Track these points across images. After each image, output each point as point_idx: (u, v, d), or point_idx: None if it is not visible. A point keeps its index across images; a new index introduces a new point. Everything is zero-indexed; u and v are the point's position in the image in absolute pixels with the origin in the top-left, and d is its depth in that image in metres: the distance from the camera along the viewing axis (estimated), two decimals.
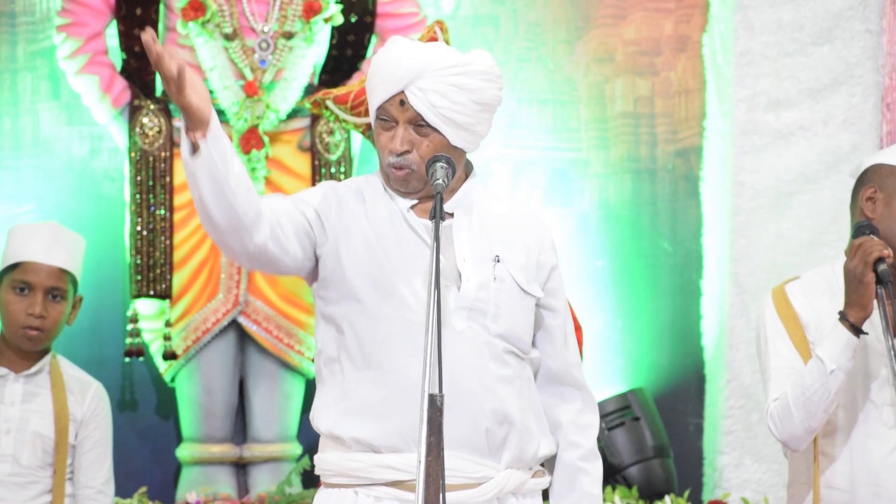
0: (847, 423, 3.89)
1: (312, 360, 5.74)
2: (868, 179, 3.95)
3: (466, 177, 3.32)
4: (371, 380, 3.16)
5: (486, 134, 3.28)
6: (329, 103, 4.90)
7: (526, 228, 3.33)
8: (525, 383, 3.25)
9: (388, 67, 3.21)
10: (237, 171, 3.05)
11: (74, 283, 4.71)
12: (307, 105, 4.97)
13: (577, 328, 4.66)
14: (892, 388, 3.85)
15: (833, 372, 3.75)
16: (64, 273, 4.66)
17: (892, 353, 3.68)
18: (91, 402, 4.74)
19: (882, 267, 3.73)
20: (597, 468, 3.33)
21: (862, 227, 3.86)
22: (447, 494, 3.00)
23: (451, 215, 3.26)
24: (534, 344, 3.32)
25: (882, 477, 3.85)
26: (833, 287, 3.95)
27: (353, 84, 5.24)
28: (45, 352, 4.73)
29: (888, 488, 3.84)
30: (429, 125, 3.19)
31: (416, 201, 3.24)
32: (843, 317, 3.76)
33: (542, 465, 3.33)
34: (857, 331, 3.74)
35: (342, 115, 5.02)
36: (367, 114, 4.65)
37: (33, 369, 4.67)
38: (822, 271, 4.03)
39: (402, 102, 3.19)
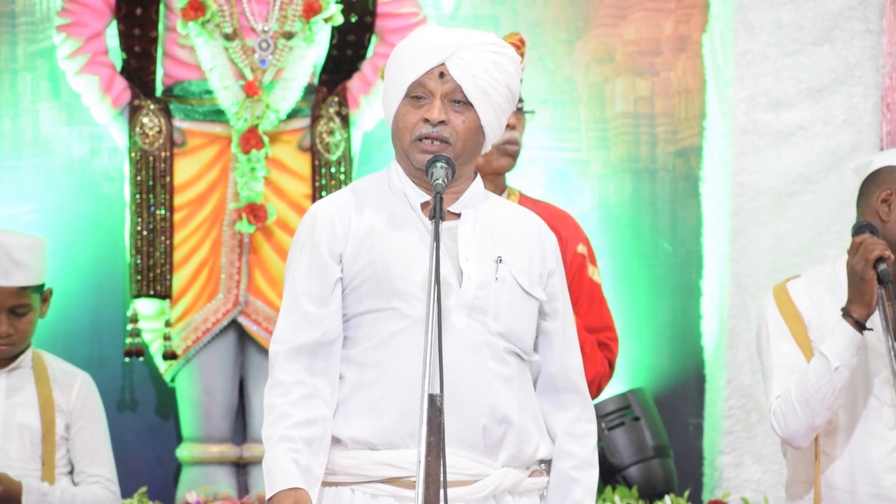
0: (847, 422, 3.89)
1: None
2: (882, 181, 3.95)
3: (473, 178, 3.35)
4: (370, 378, 3.17)
5: (500, 131, 3.31)
6: None
7: (529, 233, 3.33)
8: (524, 385, 3.25)
9: (424, 43, 3.24)
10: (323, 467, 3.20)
11: (39, 289, 4.70)
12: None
13: (615, 339, 4.63)
14: (892, 388, 3.85)
15: (837, 369, 3.75)
16: (24, 289, 4.65)
17: (893, 352, 3.68)
18: (79, 391, 4.74)
19: (882, 266, 3.73)
20: (591, 478, 3.31)
21: (862, 227, 3.86)
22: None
23: (458, 216, 3.28)
24: (535, 349, 3.32)
25: (881, 477, 3.85)
26: (835, 286, 3.95)
27: None
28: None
29: (887, 488, 3.85)
30: (465, 101, 3.22)
31: (428, 198, 3.25)
32: (846, 313, 3.76)
33: (543, 466, 3.32)
34: (860, 327, 3.75)
35: None
36: None
37: (13, 364, 4.68)
38: (823, 270, 4.04)
39: (442, 75, 3.22)
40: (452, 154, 3.21)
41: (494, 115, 3.25)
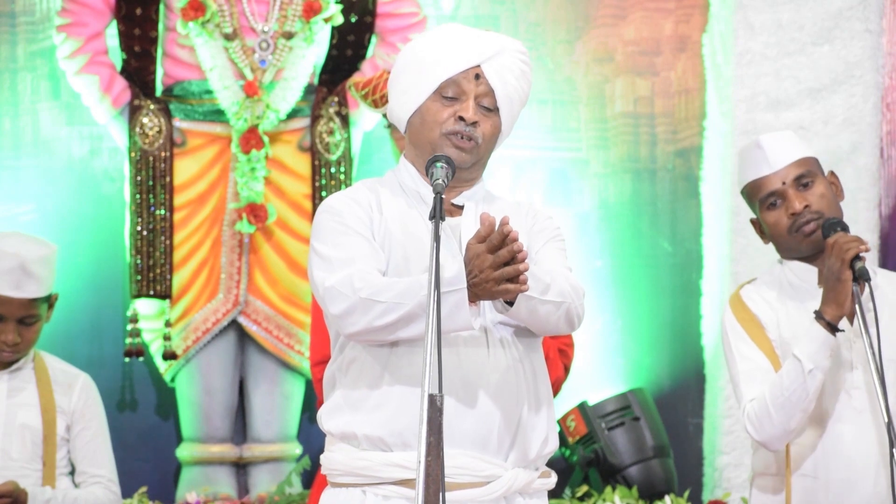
0: (818, 411, 3.86)
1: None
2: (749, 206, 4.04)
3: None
4: (385, 377, 3.16)
5: (506, 138, 3.34)
6: (352, 89, 4.91)
7: (522, 214, 3.36)
8: (534, 374, 3.23)
9: (461, 42, 3.25)
10: None
11: (48, 299, 4.70)
12: (351, 88, 4.96)
13: (571, 345, 4.66)
14: (859, 372, 3.83)
15: (811, 371, 3.73)
16: (35, 300, 4.64)
17: (871, 345, 3.65)
18: (81, 393, 4.75)
19: (860, 264, 3.72)
20: (557, 285, 3.16)
21: (833, 225, 3.85)
22: (455, 493, 3.02)
23: (461, 209, 3.29)
24: None
25: (853, 461, 3.83)
26: (784, 285, 3.96)
27: (374, 76, 5.23)
28: None
29: (858, 472, 3.82)
30: (492, 107, 3.24)
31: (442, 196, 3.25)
32: (819, 315, 3.75)
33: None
34: (833, 329, 3.73)
35: (361, 101, 5.01)
36: (378, 104, 4.64)
37: (15, 365, 4.69)
38: (773, 271, 4.05)
39: (478, 76, 3.23)
40: (477, 155, 3.25)
41: (511, 123, 3.29)
